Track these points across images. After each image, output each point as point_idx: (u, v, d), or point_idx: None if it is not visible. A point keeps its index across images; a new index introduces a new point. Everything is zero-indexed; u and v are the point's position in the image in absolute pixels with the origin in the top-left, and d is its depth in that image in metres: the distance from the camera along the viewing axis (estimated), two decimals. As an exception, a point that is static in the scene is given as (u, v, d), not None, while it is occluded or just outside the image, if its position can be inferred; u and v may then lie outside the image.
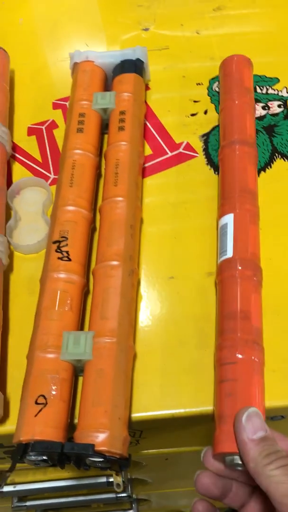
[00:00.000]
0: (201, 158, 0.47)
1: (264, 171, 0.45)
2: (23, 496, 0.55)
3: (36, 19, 0.60)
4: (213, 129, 0.48)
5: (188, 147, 0.47)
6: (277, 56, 0.54)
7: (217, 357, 0.35)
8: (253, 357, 0.33)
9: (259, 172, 0.45)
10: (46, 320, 0.35)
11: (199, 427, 0.38)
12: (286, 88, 0.51)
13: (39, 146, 0.49)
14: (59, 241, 0.38)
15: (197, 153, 0.47)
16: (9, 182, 0.46)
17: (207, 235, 0.42)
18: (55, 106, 0.51)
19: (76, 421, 0.34)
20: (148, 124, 0.49)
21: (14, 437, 0.31)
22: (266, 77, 0.52)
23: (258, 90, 0.51)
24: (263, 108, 0.49)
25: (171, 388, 0.36)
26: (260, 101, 0.50)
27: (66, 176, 0.42)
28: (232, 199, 0.40)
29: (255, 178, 0.42)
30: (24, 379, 0.34)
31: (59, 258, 0.38)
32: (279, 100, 0.50)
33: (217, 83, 0.52)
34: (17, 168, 0.47)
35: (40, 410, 0.31)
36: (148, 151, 0.47)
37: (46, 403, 0.32)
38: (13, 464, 0.31)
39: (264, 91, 0.50)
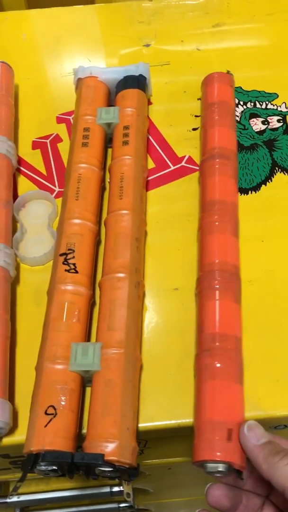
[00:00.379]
0: (203, 171, 0.48)
1: (265, 184, 0.46)
2: (26, 506, 0.55)
3: (39, 35, 0.61)
4: (215, 143, 0.49)
5: (190, 160, 0.48)
6: (276, 71, 0.55)
7: (195, 367, 0.36)
8: (231, 366, 0.34)
9: (260, 186, 0.46)
10: (54, 332, 0.36)
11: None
12: (285, 103, 0.52)
13: (44, 159, 0.49)
14: (66, 254, 0.39)
15: (198, 167, 0.48)
16: (14, 195, 0.46)
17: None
18: (59, 120, 0.52)
19: (84, 431, 0.35)
20: (150, 138, 0.50)
21: (25, 448, 0.32)
22: (265, 92, 0.53)
23: (258, 105, 0.52)
24: (263, 123, 0.51)
25: (177, 398, 0.36)
26: (260, 116, 0.51)
27: (72, 190, 0.43)
28: (211, 212, 0.41)
29: (235, 190, 0.43)
30: (33, 389, 0.34)
31: (66, 270, 0.38)
32: (278, 115, 0.51)
33: (217, 98, 0.53)
34: (22, 181, 0.48)
35: (50, 421, 0.32)
36: (151, 164, 0.48)
37: (56, 414, 0.32)
38: (24, 474, 0.31)
39: (263, 106, 0.52)
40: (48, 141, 0.51)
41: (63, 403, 0.33)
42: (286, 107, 0.52)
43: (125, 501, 0.55)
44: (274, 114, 0.51)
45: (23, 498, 0.49)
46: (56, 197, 0.46)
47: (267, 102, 0.52)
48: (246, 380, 0.35)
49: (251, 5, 0.62)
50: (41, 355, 0.35)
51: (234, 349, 0.35)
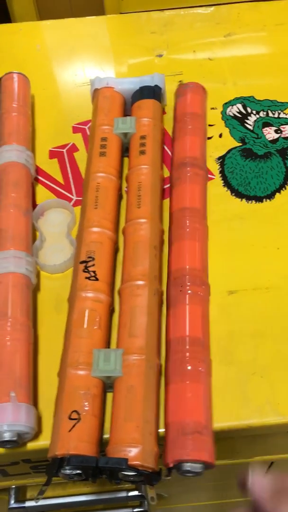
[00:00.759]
0: (217, 180, 0.48)
1: (279, 192, 0.47)
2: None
3: (53, 45, 0.63)
4: (229, 152, 0.50)
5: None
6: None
7: (168, 369, 0.36)
8: (200, 368, 0.35)
9: (274, 194, 0.47)
10: (76, 338, 0.36)
11: (223, 442, 0.39)
12: (298, 112, 0.53)
13: (61, 168, 0.50)
14: (86, 261, 0.40)
15: (213, 175, 0.49)
16: (33, 204, 0.47)
17: (227, 253, 0.44)
18: (75, 130, 0.53)
19: (105, 436, 0.35)
20: (165, 147, 0.51)
21: (49, 452, 0.33)
22: (277, 101, 0.54)
23: (270, 114, 0.53)
24: (276, 131, 0.51)
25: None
26: (272, 125, 0.52)
27: (90, 198, 0.44)
28: (183, 218, 0.42)
29: (204, 197, 0.45)
30: (57, 395, 0.35)
31: (86, 277, 0.39)
32: (291, 124, 0.52)
33: (230, 107, 0.54)
34: (40, 190, 0.49)
35: (74, 425, 0.33)
36: (166, 173, 0.49)
37: (80, 419, 0.33)
38: (49, 478, 0.32)
39: (276, 115, 0.53)
40: (64, 150, 0.52)
41: (86, 408, 0.33)
42: (298, 116, 0.52)
43: (140, 506, 0.56)
44: (287, 123, 0.52)
45: (41, 503, 0.50)
46: (74, 205, 0.47)
47: (279, 111, 0.53)
48: (265, 386, 0.36)
49: (261, 15, 0.63)
50: (64, 361, 0.36)
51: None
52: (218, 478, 0.54)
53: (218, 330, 0.39)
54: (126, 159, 0.50)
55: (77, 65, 0.60)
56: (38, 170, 0.50)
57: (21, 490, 0.51)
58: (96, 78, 0.52)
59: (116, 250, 0.44)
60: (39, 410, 0.37)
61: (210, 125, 0.53)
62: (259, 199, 0.47)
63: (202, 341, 0.36)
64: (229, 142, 0.51)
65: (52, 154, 0.52)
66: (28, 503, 0.50)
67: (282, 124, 0.52)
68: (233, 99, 0.54)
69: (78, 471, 0.32)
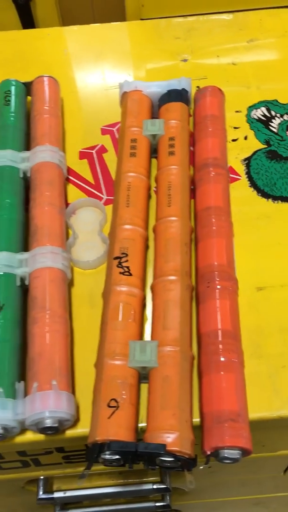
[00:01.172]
0: (244, 181, 0.50)
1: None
2: (68, 503, 0.57)
3: (80, 50, 0.64)
4: (254, 153, 0.52)
5: (231, 170, 0.50)
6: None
7: (201, 362, 0.38)
8: (233, 359, 0.36)
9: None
10: (112, 330, 0.38)
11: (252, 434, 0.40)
12: None
13: (91, 169, 0.52)
14: (119, 257, 0.41)
15: (240, 176, 0.50)
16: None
17: (254, 252, 0.45)
18: (104, 131, 0.55)
19: (140, 424, 0.37)
20: (192, 149, 0.52)
21: (89, 438, 0.34)
22: (301, 105, 0.55)
23: (294, 117, 0.54)
24: (300, 134, 0.53)
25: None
26: (297, 128, 0.53)
27: (122, 197, 0.45)
28: (208, 217, 0.44)
29: (227, 196, 0.46)
30: (95, 384, 0.36)
31: (120, 273, 0.41)
32: (314, 126, 0.53)
33: (255, 110, 0.55)
34: (71, 190, 0.51)
35: (113, 413, 0.34)
36: (193, 174, 0.51)
37: (118, 406, 0.34)
38: (90, 463, 0.33)
39: (300, 118, 0.54)
40: (94, 151, 0.53)
41: (124, 396, 0.35)
42: None
43: (163, 500, 0.57)
44: (311, 126, 0.53)
45: (69, 493, 0.51)
46: (104, 204, 0.49)
47: (303, 115, 0.54)
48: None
49: (282, 22, 0.65)
50: (101, 352, 0.37)
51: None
52: (241, 472, 0.55)
53: (247, 324, 0.41)
54: (153, 160, 0.51)
55: (103, 69, 0.62)
56: (68, 170, 0.52)
57: (49, 481, 0.52)
58: (124, 81, 0.54)
59: (146, 248, 0.45)
60: (76, 399, 0.38)
61: (235, 128, 0.54)
62: (285, 199, 0.48)
63: (233, 333, 0.38)
64: (254, 144, 0.52)
65: (82, 155, 0.53)
66: (57, 494, 0.51)
67: (306, 127, 0.53)
68: (257, 103, 0.56)
69: (117, 457, 0.33)
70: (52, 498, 0.51)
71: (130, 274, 0.41)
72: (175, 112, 0.50)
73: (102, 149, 0.54)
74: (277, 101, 0.56)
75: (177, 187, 0.45)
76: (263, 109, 0.55)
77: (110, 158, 0.52)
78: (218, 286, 0.40)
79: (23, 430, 0.37)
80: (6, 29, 0.68)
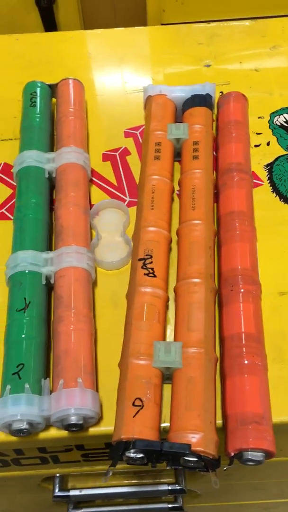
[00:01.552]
0: (266, 186, 0.50)
1: None
2: (80, 502, 0.58)
3: (103, 54, 0.65)
4: (276, 159, 0.52)
5: (254, 176, 0.51)
6: None
7: (225, 365, 0.38)
8: (257, 362, 0.36)
9: None
10: (137, 330, 0.38)
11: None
12: None
13: (114, 171, 0.52)
14: (144, 259, 0.42)
15: (262, 182, 0.51)
16: (88, 204, 0.49)
17: (276, 257, 0.45)
18: (127, 134, 0.56)
19: (162, 425, 0.37)
20: (215, 154, 0.53)
21: (114, 436, 0.34)
22: None
23: None
24: None
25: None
26: None
27: (147, 199, 0.46)
28: (232, 222, 0.44)
29: (250, 201, 0.46)
30: (119, 383, 0.37)
31: (145, 274, 0.41)
32: None
33: (277, 116, 0.55)
34: (94, 191, 0.51)
35: (137, 412, 0.34)
36: (215, 178, 0.51)
37: (143, 405, 0.35)
38: (115, 460, 0.33)
39: None
40: (117, 154, 0.54)
41: (148, 396, 0.35)
42: None
43: (175, 501, 0.57)
44: None
45: (84, 492, 0.52)
46: (127, 206, 0.49)
47: None
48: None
49: (305, 29, 0.65)
50: (125, 352, 0.38)
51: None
52: (254, 476, 0.55)
53: (270, 329, 0.41)
54: (176, 164, 0.52)
55: (126, 73, 0.63)
56: (92, 172, 0.52)
57: (64, 479, 0.53)
58: (149, 85, 0.55)
59: (169, 250, 0.46)
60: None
61: (257, 133, 0.54)
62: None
63: (257, 337, 0.38)
64: (277, 150, 0.53)
65: (105, 157, 0.54)
66: (72, 492, 0.51)
67: None
68: (280, 109, 0.56)
69: (141, 455, 0.33)
70: (68, 496, 0.51)
71: (155, 276, 0.41)
72: (199, 117, 0.51)
73: (125, 152, 0.54)
74: (299, 107, 0.56)
75: (201, 190, 0.46)
76: (286, 115, 0.55)
77: (133, 161, 0.53)
78: (242, 290, 0.40)
79: (47, 427, 0.37)
80: (29, 32, 0.69)
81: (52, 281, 0.42)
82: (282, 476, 0.54)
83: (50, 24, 0.83)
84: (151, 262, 0.42)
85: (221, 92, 0.58)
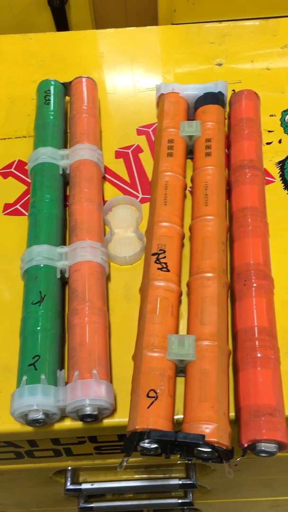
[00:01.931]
0: (278, 183, 0.51)
1: None
2: (92, 495, 0.58)
3: (115, 53, 0.66)
4: (288, 157, 0.53)
5: (266, 173, 0.51)
6: None
7: (238, 358, 0.38)
8: (270, 355, 0.37)
9: None
10: (151, 324, 0.39)
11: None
12: None
13: (127, 168, 0.53)
14: (157, 254, 0.42)
15: (274, 179, 0.51)
16: (101, 200, 0.50)
17: (288, 253, 0.46)
18: (139, 132, 0.56)
19: (175, 416, 0.37)
20: (227, 151, 0.53)
21: (129, 426, 0.35)
22: None
23: None
24: None
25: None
26: None
27: (160, 195, 0.46)
28: (244, 217, 0.45)
29: (263, 197, 0.47)
30: (134, 375, 0.37)
31: (158, 268, 0.42)
32: None
33: None
34: (107, 188, 0.52)
35: (152, 403, 0.35)
36: (227, 175, 0.52)
37: (157, 397, 0.35)
38: (129, 450, 0.34)
39: None
40: (130, 151, 0.55)
41: (162, 387, 0.36)
42: None
43: (186, 497, 0.58)
44: None
45: (96, 485, 0.52)
46: (140, 202, 0.50)
47: None
48: None
49: (316, 29, 0.66)
50: (139, 345, 0.38)
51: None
52: (264, 472, 0.56)
53: (282, 324, 0.41)
54: (188, 161, 0.52)
55: (138, 72, 0.63)
56: (105, 169, 0.53)
57: (76, 473, 0.53)
58: (162, 83, 0.55)
59: (182, 245, 0.46)
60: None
61: (269, 131, 0.55)
62: None
63: (269, 330, 0.38)
64: (289, 148, 0.53)
65: (118, 154, 0.55)
66: (84, 485, 0.52)
67: None
68: (291, 107, 0.57)
69: (155, 445, 0.34)
70: (80, 489, 0.52)
71: (168, 270, 0.42)
72: (211, 114, 0.52)
73: (138, 149, 0.55)
74: (311, 106, 0.57)
75: (213, 187, 0.46)
76: (297, 113, 0.56)
77: (146, 158, 0.53)
78: (255, 284, 0.40)
79: (61, 418, 0.38)
80: (41, 31, 0.70)
81: (66, 275, 0.42)
82: (292, 472, 0.55)
83: (62, 24, 0.84)
84: (165, 257, 0.42)
85: (233, 90, 0.58)
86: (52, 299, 0.41)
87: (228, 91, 0.56)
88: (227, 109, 0.56)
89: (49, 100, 0.55)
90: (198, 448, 0.33)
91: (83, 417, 0.36)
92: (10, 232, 0.49)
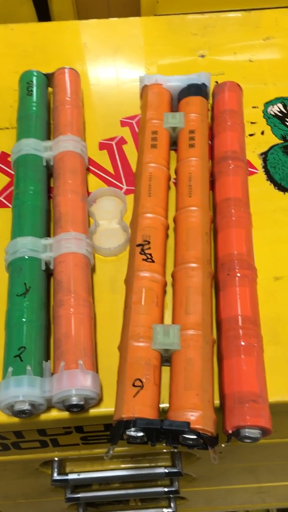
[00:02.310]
0: (261, 174, 0.51)
1: None
2: (78, 486, 0.58)
3: (98, 44, 0.65)
4: (271, 148, 0.53)
5: (249, 164, 0.52)
6: None
7: (222, 346, 0.39)
8: (253, 343, 0.38)
9: None
10: (136, 314, 0.39)
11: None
12: None
13: (111, 159, 0.53)
14: (142, 245, 0.43)
15: (257, 170, 0.51)
16: (86, 191, 0.50)
17: (271, 243, 0.46)
18: (123, 123, 0.56)
19: (161, 405, 0.38)
20: (210, 142, 0.54)
21: (115, 415, 0.35)
22: (316, 102, 0.57)
23: (309, 114, 0.55)
24: (316, 130, 0.54)
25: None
26: (312, 124, 0.55)
27: (144, 187, 0.46)
28: (228, 208, 0.45)
29: (246, 188, 0.47)
30: (119, 365, 0.38)
31: (143, 259, 0.42)
32: None
33: (271, 106, 0.56)
34: (91, 179, 0.52)
35: (137, 392, 0.35)
36: (211, 166, 0.52)
37: (143, 386, 0.36)
38: (115, 438, 0.34)
39: (315, 115, 0.55)
40: (113, 143, 0.55)
41: (148, 377, 0.36)
42: None
43: (172, 485, 0.58)
44: None
45: (82, 475, 0.53)
46: (124, 194, 0.50)
47: None
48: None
49: (297, 21, 0.66)
50: (125, 335, 0.39)
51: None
52: (248, 459, 0.56)
53: (265, 312, 0.42)
54: (172, 152, 0.52)
55: (121, 63, 0.63)
56: (89, 160, 0.53)
57: (62, 463, 0.54)
58: (145, 75, 0.55)
59: (166, 236, 0.47)
60: (99, 380, 0.40)
61: (252, 123, 0.55)
62: None
63: (253, 319, 0.39)
64: (271, 139, 0.54)
65: (102, 146, 0.54)
66: (71, 476, 0.52)
67: None
68: (274, 99, 0.57)
69: (142, 434, 0.34)
70: (66, 479, 0.52)
71: (153, 261, 0.42)
72: (195, 106, 0.52)
73: (122, 141, 0.55)
74: (293, 98, 0.57)
75: (197, 178, 0.47)
76: (280, 105, 0.56)
77: (130, 150, 0.54)
78: (238, 274, 0.41)
79: (48, 408, 0.38)
80: (22, 22, 0.69)
81: (51, 267, 0.42)
82: (274, 459, 0.56)
83: (44, 14, 0.83)
84: (149, 248, 0.43)
85: (216, 82, 0.58)
86: (37, 291, 0.41)
87: (211, 82, 0.56)
88: (210, 100, 0.56)
89: (32, 91, 0.54)
90: (184, 435, 0.34)
91: (69, 407, 0.36)
92: (-6, 224, 0.48)
